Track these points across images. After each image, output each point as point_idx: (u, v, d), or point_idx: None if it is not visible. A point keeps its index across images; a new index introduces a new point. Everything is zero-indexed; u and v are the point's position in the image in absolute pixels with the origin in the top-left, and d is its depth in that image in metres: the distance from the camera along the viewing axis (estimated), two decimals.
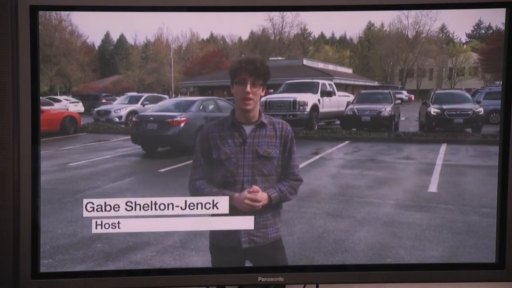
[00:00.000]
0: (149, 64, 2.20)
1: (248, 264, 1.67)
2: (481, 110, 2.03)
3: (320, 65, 2.31)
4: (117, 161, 2.16)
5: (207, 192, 1.55)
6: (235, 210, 1.56)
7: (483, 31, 1.88)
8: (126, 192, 2.03)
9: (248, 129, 1.54)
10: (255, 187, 1.52)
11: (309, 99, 2.30)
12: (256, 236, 1.57)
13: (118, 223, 1.63)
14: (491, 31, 1.81)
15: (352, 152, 2.26)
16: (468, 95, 2.13)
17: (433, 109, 2.18)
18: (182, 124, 2.14)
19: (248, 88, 1.49)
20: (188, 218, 1.63)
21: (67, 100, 2.18)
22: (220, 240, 1.61)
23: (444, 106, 2.16)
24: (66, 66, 2.09)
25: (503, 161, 1.62)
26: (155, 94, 2.29)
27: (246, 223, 1.57)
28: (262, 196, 1.54)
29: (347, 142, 2.29)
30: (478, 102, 2.07)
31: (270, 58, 2.21)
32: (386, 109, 2.31)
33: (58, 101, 2.15)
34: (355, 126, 2.30)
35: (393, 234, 1.86)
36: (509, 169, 1.62)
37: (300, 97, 2.27)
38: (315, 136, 2.30)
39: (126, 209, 1.64)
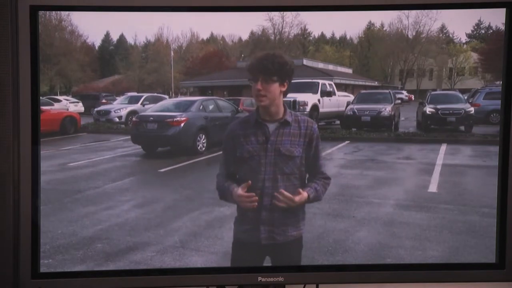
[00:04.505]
0: (149, 64, 2.20)
1: (267, 261, 1.66)
2: (471, 109, 2.15)
3: (320, 65, 2.31)
4: (117, 161, 2.16)
5: (226, 186, 1.55)
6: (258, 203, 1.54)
7: (483, 31, 1.88)
8: (126, 192, 2.03)
9: (272, 126, 1.53)
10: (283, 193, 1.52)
11: (309, 99, 2.30)
12: (276, 233, 1.56)
13: None
14: (491, 31, 1.80)
15: (352, 152, 2.26)
16: (461, 95, 2.19)
17: (429, 109, 2.23)
18: (182, 124, 2.14)
19: (259, 86, 1.48)
20: None
21: (67, 100, 2.18)
22: (242, 236, 1.60)
23: (439, 106, 2.21)
24: (66, 66, 2.09)
25: (503, 161, 1.62)
26: (155, 94, 2.29)
27: None
28: (302, 196, 1.53)
29: (347, 142, 2.29)
30: (470, 103, 2.15)
31: None
32: (386, 109, 2.31)
33: (58, 101, 2.15)
34: (355, 126, 2.31)
35: (393, 234, 1.86)
36: (509, 169, 1.61)
37: (300, 97, 2.27)
38: None
39: None
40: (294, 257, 1.63)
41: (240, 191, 1.52)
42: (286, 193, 1.52)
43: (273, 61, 1.48)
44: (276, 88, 1.50)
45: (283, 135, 1.52)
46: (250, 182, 1.52)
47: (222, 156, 1.61)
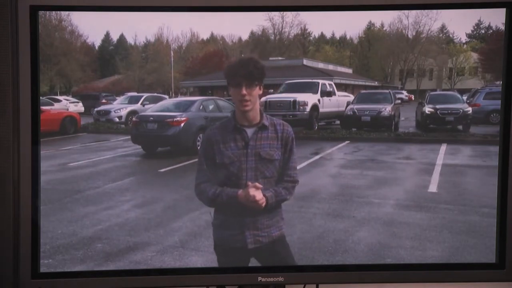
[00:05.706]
0: (149, 64, 2.20)
1: (253, 262, 1.66)
2: (469, 109, 2.18)
3: (320, 65, 2.31)
4: (117, 161, 2.16)
5: (211, 194, 1.55)
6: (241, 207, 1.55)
7: (483, 31, 1.88)
8: (126, 192, 2.03)
9: (250, 131, 1.53)
10: (257, 185, 1.51)
11: (309, 99, 2.30)
12: (261, 236, 1.57)
13: None
14: (491, 31, 1.80)
15: (352, 152, 2.26)
16: (459, 96, 2.22)
17: (428, 109, 2.25)
18: (182, 124, 2.14)
19: (244, 91, 1.49)
20: None
21: (67, 100, 2.18)
22: (225, 241, 1.60)
23: (437, 106, 2.23)
24: (66, 66, 2.09)
25: (503, 161, 1.62)
26: (155, 94, 2.29)
27: None
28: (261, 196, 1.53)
29: (347, 142, 2.29)
30: (468, 103, 2.18)
31: (270, 58, 2.21)
32: (386, 109, 2.31)
33: (58, 101, 2.15)
34: (355, 126, 2.31)
35: (393, 234, 1.86)
36: (509, 169, 1.61)
37: (300, 97, 2.27)
38: (315, 136, 2.30)
39: None
40: (282, 257, 1.63)
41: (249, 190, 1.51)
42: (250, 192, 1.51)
43: (255, 66, 1.49)
44: (257, 92, 1.51)
45: (261, 139, 1.53)
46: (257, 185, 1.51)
47: (199, 163, 1.60)
